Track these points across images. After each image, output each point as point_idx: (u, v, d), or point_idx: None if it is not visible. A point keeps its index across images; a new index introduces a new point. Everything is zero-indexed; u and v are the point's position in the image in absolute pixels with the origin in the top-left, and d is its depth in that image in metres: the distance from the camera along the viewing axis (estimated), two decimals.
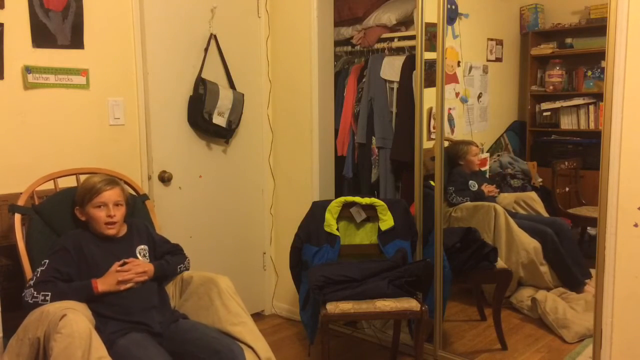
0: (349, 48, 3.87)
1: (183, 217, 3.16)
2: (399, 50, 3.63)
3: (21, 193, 2.37)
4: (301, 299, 2.90)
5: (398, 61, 3.54)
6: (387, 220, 2.90)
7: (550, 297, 3.43)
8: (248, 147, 3.48)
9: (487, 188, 3.75)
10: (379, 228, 2.91)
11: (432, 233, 2.97)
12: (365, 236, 2.96)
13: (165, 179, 3.04)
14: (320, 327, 2.56)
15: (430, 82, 2.92)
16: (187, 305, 2.40)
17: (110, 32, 2.81)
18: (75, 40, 2.68)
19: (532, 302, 3.43)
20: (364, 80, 3.73)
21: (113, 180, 2.35)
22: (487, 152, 4.10)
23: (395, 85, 3.57)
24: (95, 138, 2.80)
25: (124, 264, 2.24)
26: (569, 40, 4.19)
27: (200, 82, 3.10)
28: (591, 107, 4.14)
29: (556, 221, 3.78)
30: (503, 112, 4.35)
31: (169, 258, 2.41)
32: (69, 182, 2.52)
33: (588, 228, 4.03)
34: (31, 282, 2.12)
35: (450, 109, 3.74)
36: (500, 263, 3.23)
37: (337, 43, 3.71)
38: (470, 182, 3.70)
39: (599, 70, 4.01)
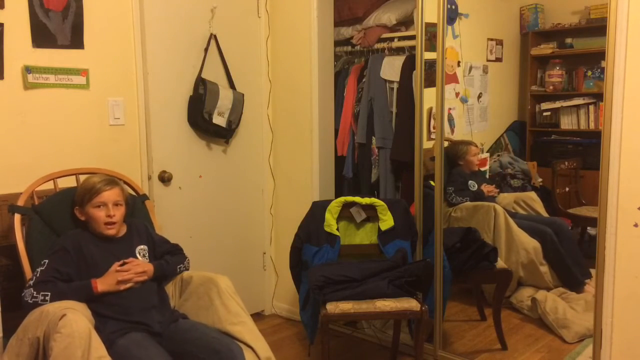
0: (349, 48, 3.87)
1: (183, 217, 3.16)
2: (399, 50, 3.63)
3: (21, 193, 2.37)
4: (301, 299, 2.90)
5: (398, 61, 3.54)
6: (387, 220, 2.90)
7: (550, 297, 3.43)
8: (248, 147, 3.48)
9: (487, 188, 3.75)
10: (379, 228, 2.91)
11: (432, 233, 2.97)
12: (365, 236, 2.96)
13: (165, 179, 3.04)
14: (320, 327, 2.56)
15: (430, 82, 2.92)
16: (187, 305, 2.40)
17: (110, 32, 2.81)
18: (75, 40, 2.68)
19: (532, 302, 3.43)
20: (364, 80, 3.73)
21: (113, 180, 2.35)
22: (487, 152, 4.10)
23: (395, 85, 3.57)
24: (95, 138, 2.80)
25: (124, 264, 2.24)
26: (569, 40, 4.19)
27: (200, 82, 3.10)
28: (591, 107, 4.14)
29: (556, 221, 3.78)
30: (503, 112, 4.35)
31: (169, 258, 2.42)
32: (68, 182, 2.52)
33: (588, 228, 4.03)
34: (31, 282, 2.12)
35: (450, 109, 3.74)
36: (500, 263, 3.23)
37: (337, 43, 3.71)
38: (470, 182, 3.70)
39: (599, 70, 4.01)
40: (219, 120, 3.17)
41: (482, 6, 4.10)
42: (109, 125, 2.85)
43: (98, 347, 1.91)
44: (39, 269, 2.15)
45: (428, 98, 2.94)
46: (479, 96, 4.06)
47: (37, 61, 2.56)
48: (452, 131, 3.81)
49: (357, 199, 2.94)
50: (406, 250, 2.82)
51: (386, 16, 3.64)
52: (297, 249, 2.92)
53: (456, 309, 3.58)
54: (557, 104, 4.26)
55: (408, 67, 3.42)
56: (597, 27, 3.87)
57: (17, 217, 2.30)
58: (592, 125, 4.14)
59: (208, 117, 3.11)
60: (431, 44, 2.87)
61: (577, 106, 4.19)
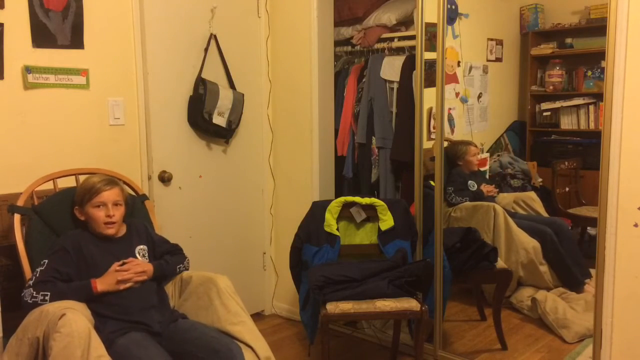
0: (349, 48, 3.87)
1: (183, 217, 3.16)
2: (399, 50, 3.63)
3: (21, 193, 2.37)
4: (301, 299, 2.90)
5: (398, 61, 3.54)
6: (387, 220, 2.90)
7: (550, 297, 3.43)
8: (248, 147, 3.48)
9: (486, 188, 3.75)
10: (379, 228, 2.91)
11: (432, 233, 2.97)
12: (365, 236, 2.96)
13: (165, 179, 3.04)
14: (320, 327, 2.56)
15: (430, 82, 2.92)
16: (187, 304, 2.40)
17: (110, 32, 2.81)
18: (75, 40, 2.68)
19: (532, 302, 3.43)
20: (364, 80, 3.73)
21: (112, 180, 2.36)
22: (487, 152, 4.10)
23: (395, 85, 3.57)
24: (95, 138, 2.80)
25: (124, 264, 2.24)
26: (569, 40, 4.19)
27: (200, 82, 3.10)
28: (591, 107, 4.14)
29: (555, 221, 3.78)
30: (503, 112, 4.35)
31: (168, 258, 2.42)
32: (68, 183, 2.52)
33: (588, 228, 4.03)
34: (30, 282, 2.12)
35: (450, 109, 3.74)
36: (500, 263, 3.23)
37: (337, 43, 3.71)
38: (470, 182, 3.70)
39: (599, 70, 4.01)
40: (219, 120, 3.17)
41: (482, 6, 4.10)
42: (109, 125, 2.85)
43: (97, 347, 1.91)
44: (38, 269, 2.15)
45: (428, 98, 2.94)
46: (479, 96, 4.06)
47: (37, 61, 2.56)
48: (452, 131, 3.81)
49: (357, 199, 2.94)
50: (406, 250, 2.82)
51: (386, 16, 3.64)
52: (297, 249, 2.92)
53: (456, 309, 3.58)
54: (557, 104, 4.26)
55: (408, 67, 3.42)
56: (597, 27, 3.87)
57: (16, 217, 2.30)
58: (592, 125, 4.14)
59: (208, 117, 3.11)
60: (431, 44, 2.87)
61: (577, 106, 4.19)
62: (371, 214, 2.94)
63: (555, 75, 4.23)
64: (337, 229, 2.90)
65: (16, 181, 2.48)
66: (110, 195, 2.27)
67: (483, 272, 3.11)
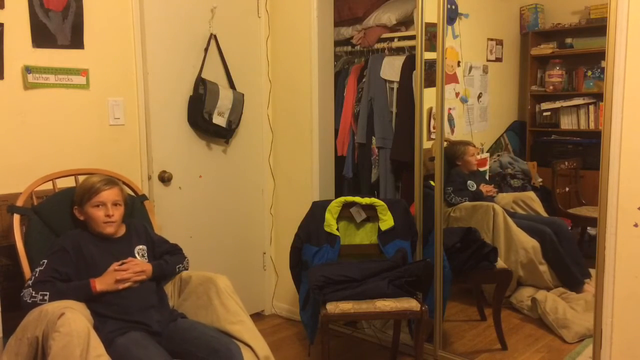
0: (349, 48, 3.87)
1: (183, 217, 3.16)
2: (399, 50, 3.63)
3: (21, 193, 2.37)
4: (301, 299, 2.90)
5: (398, 61, 3.54)
6: (387, 220, 2.90)
7: (550, 297, 3.43)
8: (248, 147, 3.48)
9: (486, 188, 3.75)
10: (379, 228, 2.91)
11: (432, 233, 2.97)
12: (365, 236, 2.96)
13: (165, 179, 3.04)
14: (320, 327, 2.56)
15: (430, 82, 2.92)
16: (186, 304, 2.40)
17: (110, 32, 2.81)
18: (75, 40, 2.68)
19: (532, 302, 3.43)
20: (364, 80, 3.73)
21: (112, 180, 2.36)
22: (487, 152, 4.10)
23: (395, 85, 3.57)
24: (95, 138, 2.80)
25: (123, 264, 2.24)
26: (569, 40, 4.19)
27: (200, 82, 3.10)
28: (591, 107, 4.14)
29: (555, 221, 3.78)
30: (503, 112, 4.35)
31: (168, 258, 2.42)
32: (67, 183, 2.52)
33: (588, 228, 4.03)
34: (30, 282, 2.12)
35: (450, 109, 3.74)
36: (500, 263, 3.23)
37: (337, 43, 3.71)
38: (469, 182, 3.70)
39: (599, 70, 4.01)
40: (219, 120, 3.17)
41: (482, 6, 4.10)
42: (109, 125, 2.85)
43: (97, 346, 1.91)
44: (38, 269, 2.15)
45: (428, 98, 2.94)
46: (479, 96, 4.06)
47: (37, 61, 2.56)
48: (452, 131, 3.81)
49: (357, 199, 2.94)
50: (406, 250, 2.82)
51: (386, 16, 3.64)
52: (297, 249, 2.92)
53: (456, 309, 3.58)
54: (557, 104, 4.26)
55: (408, 67, 3.42)
56: (597, 27, 3.87)
57: (16, 217, 2.30)
58: (592, 125, 4.14)
59: (208, 117, 3.11)
60: (431, 44, 2.87)
61: (577, 106, 4.19)
62: (371, 214, 2.94)
63: (555, 75, 4.23)
64: (337, 229, 2.90)
65: (16, 181, 2.48)
66: (109, 195, 2.27)
67: (483, 272, 3.11)
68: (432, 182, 2.98)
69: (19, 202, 2.33)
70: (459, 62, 3.77)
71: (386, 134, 3.60)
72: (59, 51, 2.63)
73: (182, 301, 2.43)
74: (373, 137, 3.66)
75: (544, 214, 3.93)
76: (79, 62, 2.70)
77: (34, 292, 2.08)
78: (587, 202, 4.19)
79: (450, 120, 3.76)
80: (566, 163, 4.20)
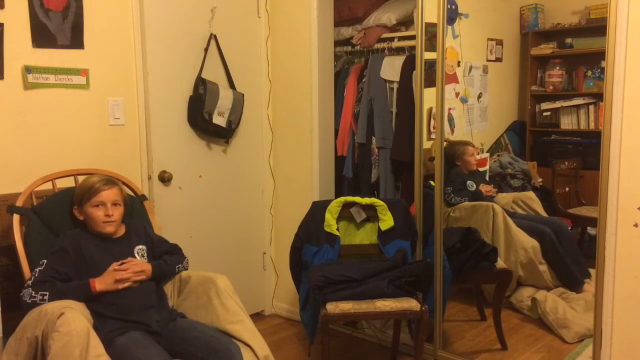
0: (349, 48, 3.87)
1: (183, 217, 3.16)
2: (399, 50, 3.63)
3: (20, 193, 2.37)
4: (301, 299, 2.90)
5: (398, 61, 3.54)
6: (387, 220, 2.90)
7: (550, 297, 3.43)
8: (248, 147, 3.48)
9: (485, 188, 3.75)
10: (379, 228, 2.91)
11: (432, 233, 2.97)
12: (365, 236, 2.96)
13: (165, 179, 3.04)
14: (320, 327, 2.56)
15: (430, 82, 2.92)
16: (186, 304, 2.40)
17: (110, 32, 2.81)
18: (75, 40, 2.68)
19: (532, 302, 3.43)
20: (364, 80, 3.73)
21: (111, 180, 2.36)
22: (487, 152, 4.10)
23: (395, 85, 3.57)
24: (95, 138, 2.80)
25: (122, 264, 2.24)
26: (569, 40, 4.19)
27: (200, 82, 3.10)
28: (591, 107, 4.14)
29: (555, 221, 3.78)
30: (503, 112, 4.35)
31: (168, 258, 2.42)
32: (67, 183, 2.52)
33: (588, 228, 4.03)
34: (29, 282, 2.12)
35: (450, 109, 3.74)
36: (500, 263, 3.23)
37: (337, 43, 3.71)
38: (468, 182, 3.70)
39: (599, 70, 4.00)
40: (219, 120, 3.17)
41: (482, 6, 4.10)
42: (109, 125, 2.85)
43: (96, 346, 1.91)
44: (37, 269, 2.15)
45: (428, 98, 2.94)
46: (479, 96, 4.06)
47: (37, 61, 2.56)
48: (452, 131, 3.81)
49: (357, 199, 2.94)
50: (406, 250, 2.82)
51: (386, 16, 3.64)
52: (297, 249, 2.92)
53: (456, 309, 3.58)
54: (557, 104, 4.26)
55: (408, 67, 3.42)
56: (597, 27, 3.87)
57: (15, 218, 2.30)
58: (592, 125, 4.14)
59: (208, 117, 3.11)
60: (431, 44, 2.87)
61: (577, 106, 4.19)
62: (371, 214, 2.94)
63: (555, 75, 4.23)
64: (337, 229, 2.90)
65: (16, 181, 2.48)
66: (109, 194, 2.28)
67: (483, 272, 3.11)
68: (432, 182, 2.98)
69: (19, 202, 2.33)
70: (459, 62, 3.77)
71: (386, 134, 3.60)
72: (59, 51, 2.63)
73: (182, 301, 2.43)
74: (373, 137, 3.66)
75: (544, 214, 3.93)
76: (79, 62, 2.70)
77: (33, 292, 2.08)
78: (587, 202, 4.19)
79: (450, 120, 3.76)
80: (566, 163, 4.20)
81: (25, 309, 2.05)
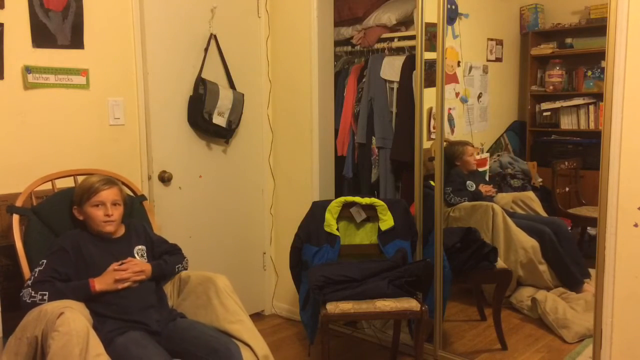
0: (349, 48, 3.87)
1: (183, 217, 3.16)
2: (399, 50, 3.63)
3: (20, 193, 2.37)
4: (301, 299, 2.90)
5: (398, 61, 3.54)
6: (387, 220, 2.90)
7: (550, 297, 3.43)
8: (248, 147, 3.48)
9: (485, 188, 3.76)
10: (379, 228, 2.91)
11: (432, 233, 2.97)
12: (365, 236, 2.96)
13: (165, 179, 3.04)
14: (320, 327, 2.56)
15: (430, 82, 2.92)
16: (185, 304, 2.40)
17: (110, 32, 2.81)
18: (75, 40, 2.68)
19: (532, 302, 3.43)
20: (364, 80, 3.73)
21: (111, 180, 2.36)
22: (487, 152, 4.10)
23: (395, 85, 3.57)
24: (95, 138, 2.80)
25: (122, 264, 2.25)
26: (569, 40, 4.19)
27: (200, 82, 3.10)
28: (591, 107, 4.14)
29: (554, 221, 3.79)
30: (503, 112, 4.35)
31: (167, 258, 2.42)
32: (67, 183, 2.52)
33: (588, 228, 4.03)
34: (29, 282, 2.12)
35: (450, 109, 3.74)
36: (500, 263, 3.23)
37: (337, 43, 3.71)
38: (468, 182, 3.70)
39: (599, 70, 4.01)
40: (219, 120, 3.17)
41: (482, 6, 4.10)
42: (109, 125, 2.85)
43: (96, 346, 1.92)
44: (37, 269, 2.15)
45: (428, 98, 2.94)
46: (479, 96, 4.06)
47: (37, 61, 2.56)
48: (452, 131, 3.81)
49: (357, 199, 2.94)
50: (406, 250, 2.82)
51: (386, 16, 3.64)
52: (297, 249, 2.92)
53: (456, 309, 3.58)
54: (557, 104, 4.26)
55: (408, 67, 3.42)
56: (597, 27, 3.87)
57: (15, 218, 2.30)
58: (592, 125, 4.14)
59: (208, 117, 3.11)
60: (431, 44, 2.87)
61: (577, 106, 4.19)
62: (371, 214, 2.94)
63: (555, 75, 4.23)
64: (337, 229, 2.90)
65: (16, 181, 2.48)
66: (108, 194, 2.28)
67: (483, 272, 3.11)
68: (432, 182, 2.98)
69: (19, 202, 2.33)
70: (459, 62, 3.77)
71: (386, 134, 3.60)
72: (59, 51, 2.63)
73: (182, 301, 2.43)
74: (373, 137, 3.66)
75: (544, 214, 3.93)
76: (79, 62, 2.70)
77: (33, 292, 2.08)
78: (587, 202, 4.19)
79: (450, 120, 3.76)
80: (566, 163, 4.20)
81: (25, 309, 2.05)
